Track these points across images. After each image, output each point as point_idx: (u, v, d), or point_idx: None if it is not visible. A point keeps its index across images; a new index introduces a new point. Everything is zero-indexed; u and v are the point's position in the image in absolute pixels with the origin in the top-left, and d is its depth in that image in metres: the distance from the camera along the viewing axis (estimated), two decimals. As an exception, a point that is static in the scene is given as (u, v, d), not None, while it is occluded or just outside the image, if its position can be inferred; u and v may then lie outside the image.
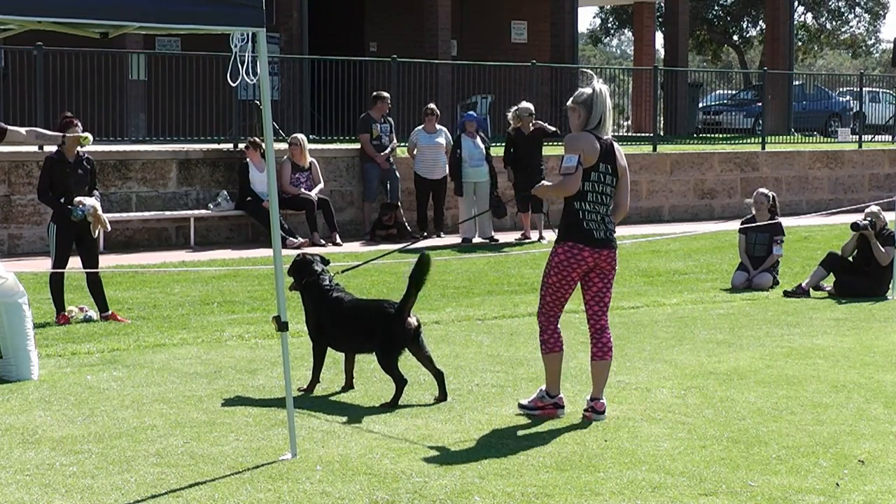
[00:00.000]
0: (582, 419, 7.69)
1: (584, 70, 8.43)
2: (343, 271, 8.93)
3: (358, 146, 19.25)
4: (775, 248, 14.12)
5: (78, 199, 11.18)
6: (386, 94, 19.40)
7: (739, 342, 10.52)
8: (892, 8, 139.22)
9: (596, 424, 7.55)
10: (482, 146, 18.53)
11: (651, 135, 24.59)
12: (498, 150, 19.25)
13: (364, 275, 13.91)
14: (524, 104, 18.28)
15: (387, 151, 19.03)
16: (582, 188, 7.57)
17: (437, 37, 26.76)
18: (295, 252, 16.20)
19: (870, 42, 59.28)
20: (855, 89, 30.00)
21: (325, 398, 8.29)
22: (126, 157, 17.54)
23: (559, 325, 7.78)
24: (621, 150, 7.80)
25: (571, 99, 7.75)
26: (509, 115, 18.20)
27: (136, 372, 9.09)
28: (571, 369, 9.01)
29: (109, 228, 11.58)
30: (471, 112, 19.93)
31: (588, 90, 7.68)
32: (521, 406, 7.84)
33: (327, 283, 8.52)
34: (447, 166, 18.65)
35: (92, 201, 11.27)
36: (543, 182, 8.16)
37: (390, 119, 19.42)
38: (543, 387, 7.84)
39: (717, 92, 34.69)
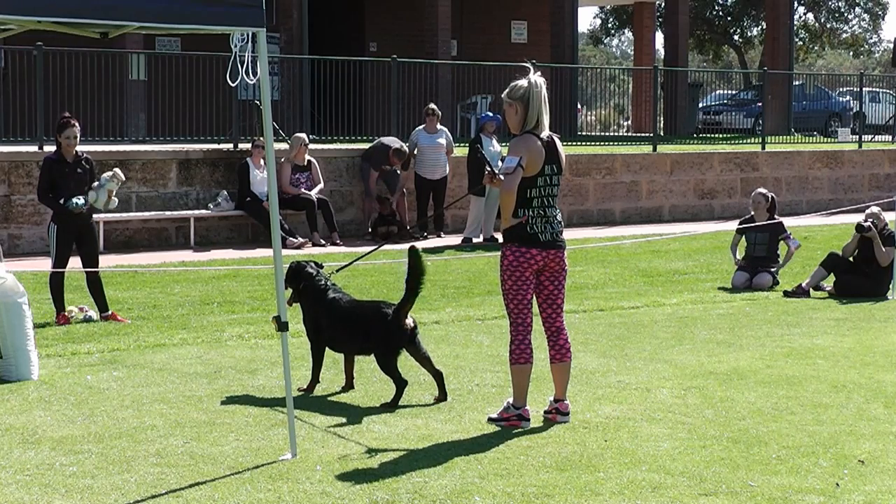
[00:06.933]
0: (544, 421, 7.56)
1: (523, 64, 8.10)
2: (337, 270, 8.91)
3: (358, 146, 19.23)
4: (791, 242, 14.14)
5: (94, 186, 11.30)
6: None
7: (739, 342, 10.52)
8: (892, 8, 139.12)
9: (596, 424, 7.54)
10: (499, 147, 18.54)
11: (651, 135, 24.60)
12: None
13: (364, 275, 13.92)
14: None
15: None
16: (528, 195, 7.37)
17: (437, 37, 26.75)
18: (295, 252, 16.33)
19: (871, 41, 59.30)
20: (855, 89, 30.00)
21: (325, 398, 8.29)
22: (126, 156, 17.54)
23: (530, 337, 7.54)
24: (560, 144, 7.57)
25: (506, 93, 7.44)
26: None
27: (136, 372, 9.09)
28: (571, 369, 8.99)
29: (124, 178, 11.58)
30: (487, 112, 19.90)
31: (523, 82, 7.40)
32: (490, 420, 7.59)
33: (323, 283, 8.52)
34: (464, 166, 18.64)
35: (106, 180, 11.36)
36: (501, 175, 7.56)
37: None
38: (510, 399, 7.64)
39: (718, 92, 34.69)
